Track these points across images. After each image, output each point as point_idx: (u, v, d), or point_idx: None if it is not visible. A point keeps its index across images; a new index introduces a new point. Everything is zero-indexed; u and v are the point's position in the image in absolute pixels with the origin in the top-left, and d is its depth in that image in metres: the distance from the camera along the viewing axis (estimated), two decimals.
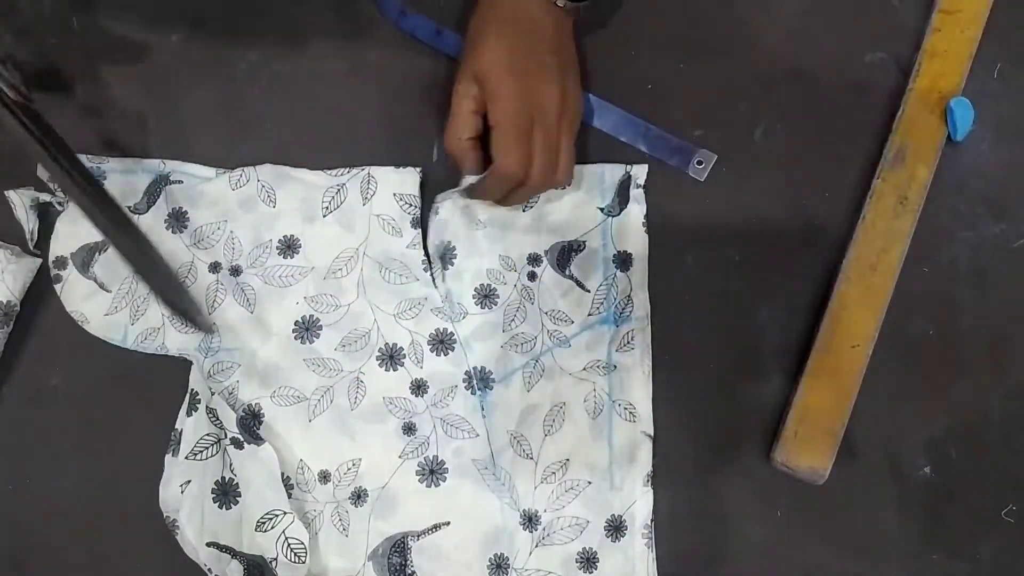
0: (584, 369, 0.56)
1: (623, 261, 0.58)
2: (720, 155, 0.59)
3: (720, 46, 0.61)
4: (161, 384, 0.56)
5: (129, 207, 0.58)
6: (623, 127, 0.59)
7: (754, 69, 0.61)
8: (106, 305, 0.57)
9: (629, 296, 0.57)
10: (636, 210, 0.58)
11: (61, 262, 0.57)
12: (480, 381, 0.56)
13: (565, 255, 0.58)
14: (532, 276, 0.58)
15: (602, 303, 0.57)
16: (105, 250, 0.57)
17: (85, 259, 0.57)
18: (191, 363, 0.56)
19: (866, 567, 0.55)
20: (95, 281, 0.57)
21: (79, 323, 0.56)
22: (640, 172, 0.59)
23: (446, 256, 0.58)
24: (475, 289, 0.57)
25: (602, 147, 0.59)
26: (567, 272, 0.58)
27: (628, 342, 0.56)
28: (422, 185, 0.58)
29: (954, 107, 0.57)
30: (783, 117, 0.60)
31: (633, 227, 0.58)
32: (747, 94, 0.60)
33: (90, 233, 0.57)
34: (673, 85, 0.60)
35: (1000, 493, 0.56)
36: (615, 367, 0.56)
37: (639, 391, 0.56)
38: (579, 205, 0.59)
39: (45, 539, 0.55)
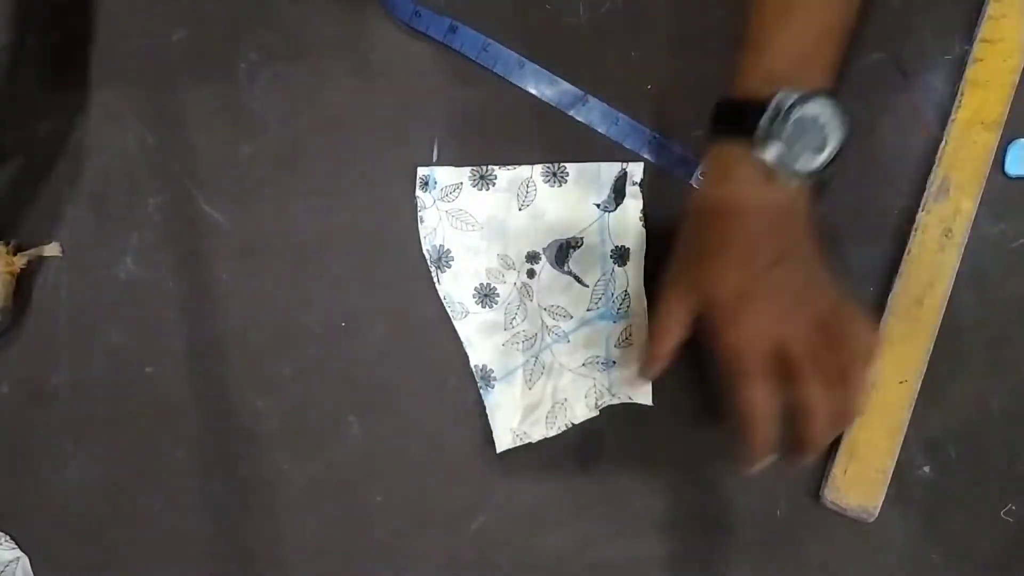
0: (583, 365, 0.57)
1: (621, 256, 0.58)
2: None
3: (720, 46, 0.61)
4: (162, 383, 0.56)
5: None
6: (628, 134, 0.59)
7: None
8: None
9: (626, 291, 0.57)
10: (632, 205, 0.58)
11: None
12: (482, 379, 0.56)
13: (563, 252, 0.58)
14: (531, 274, 0.58)
15: (600, 298, 0.57)
16: None
17: None
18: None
19: (866, 567, 0.55)
20: None
21: None
22: (636, 170, 0.59)
23: (442, 259, 0.58)
24: (475, 288, 0.58)
25: (605, 152, 0.59)
26: (565, 268, 0.58)
27: (627, 338, 0.57)
28: (424, 184, 0.59)
29: (1013, 150, 0.57)
30: None
31: (630, 222, 0.58)
32: None
33: None
34: (673, 85, 0.60)
35: (1000, 493, 0.55)
36: (614, 363, 0.56)
37: (639, 386, 0.56)
38: (576, 202, 0.59)
39: (45, 539, 0.55)
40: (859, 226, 0.58)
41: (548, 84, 0.59)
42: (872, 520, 0.54)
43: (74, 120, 0.59)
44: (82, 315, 0.58)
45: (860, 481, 0.54)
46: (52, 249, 0.58)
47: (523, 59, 0.59)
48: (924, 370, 0.55)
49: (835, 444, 0.55)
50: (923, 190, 0.58)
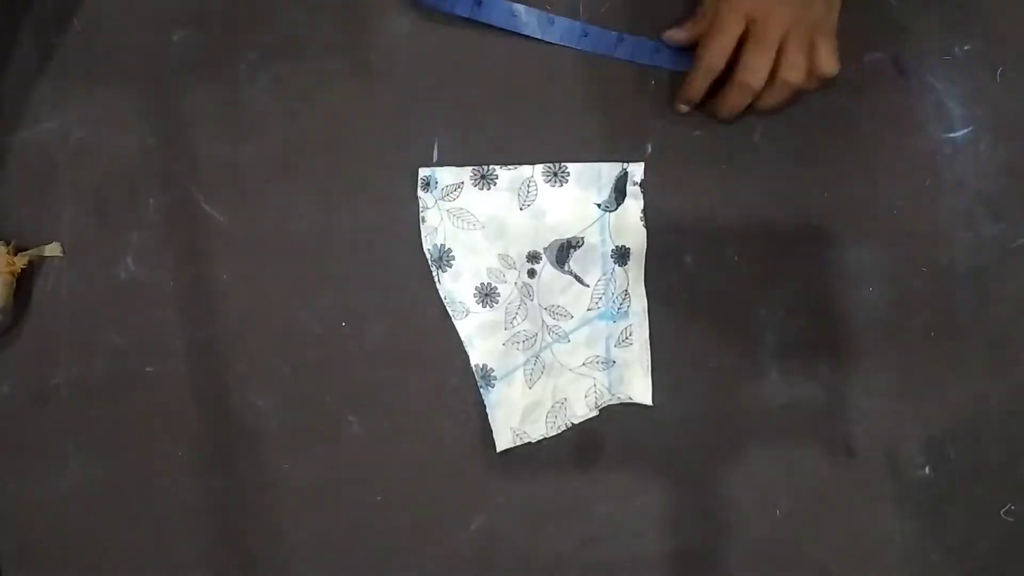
0: (583, 364, 0.57)
1: (621, 256, 0.58)
2: (720, 156, 0.59)
3: None
4: (162, 383, 0.56)
5: None
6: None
7: None
8: None
9: (626, 291, 0.57)
10: (633, 205, 0.58)
11: None
12: (482, 379, 0.56)
13: (564, 251, 0.58)
14: (532, 273, 0.58)
15: (600, 298, 0.57)
16: None
17: None
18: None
19: (866, 567, 0.55)
20: None
21: None
22: (637, 170, 0.59)
23: (443, 258, 0.58)
24: (476, 288, 0.58)
25: (606, 151, 0.59)
26: (566, 268, 0.58)
27: (627, 338, 0.57)
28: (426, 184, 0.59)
29: None
30: (783, 117, 0.60)
31: (631, 221, 0.58)
32: None
33: None
34: (673, 84, 0.60)
35: (999, 493, 0.56)
36: (614, 363, 0.56)
37: (639, 386, 0.56)
38: (577, 202, 0.59)
39: (45, 539, 0.55)
40: (859, 226, 0.59)
41: (580, 35, 0.59)
42: None
43: (74, 120, 0.59)
44: (82, 315, 0.58)
45: None
46: (52, 249, 0.58)
47: (552, 16, 0.59)
48: None
49: None
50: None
